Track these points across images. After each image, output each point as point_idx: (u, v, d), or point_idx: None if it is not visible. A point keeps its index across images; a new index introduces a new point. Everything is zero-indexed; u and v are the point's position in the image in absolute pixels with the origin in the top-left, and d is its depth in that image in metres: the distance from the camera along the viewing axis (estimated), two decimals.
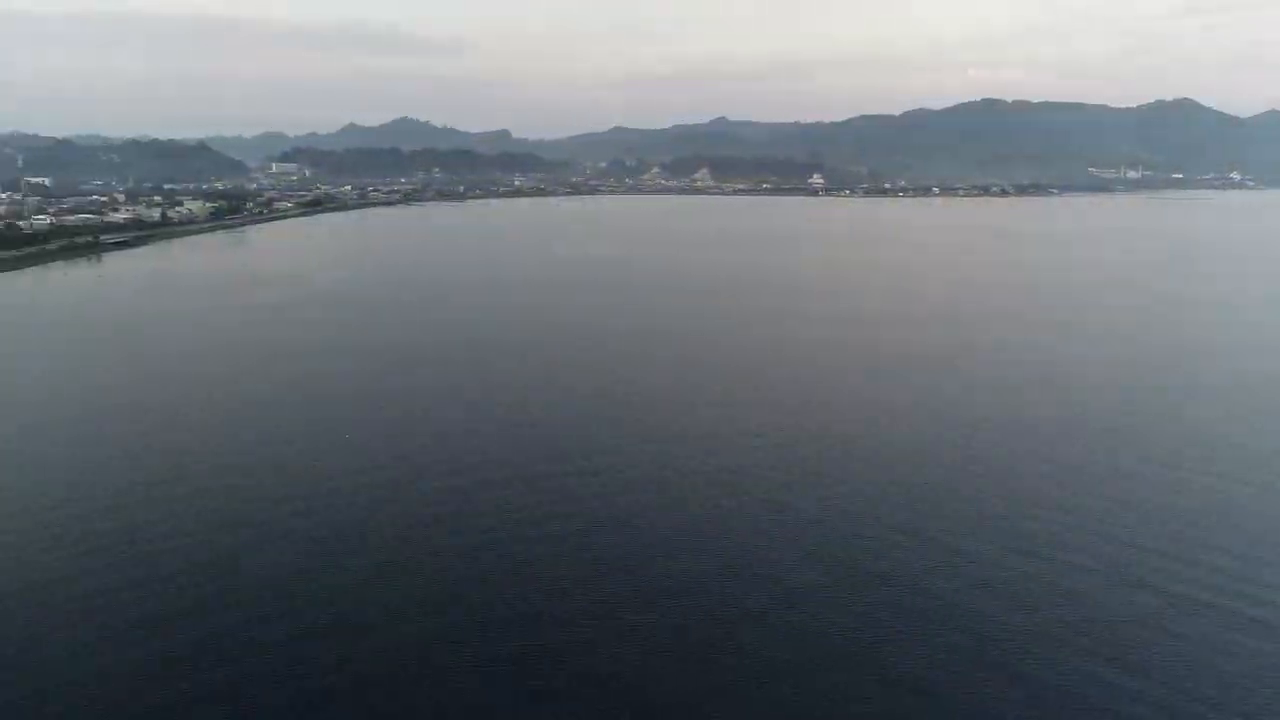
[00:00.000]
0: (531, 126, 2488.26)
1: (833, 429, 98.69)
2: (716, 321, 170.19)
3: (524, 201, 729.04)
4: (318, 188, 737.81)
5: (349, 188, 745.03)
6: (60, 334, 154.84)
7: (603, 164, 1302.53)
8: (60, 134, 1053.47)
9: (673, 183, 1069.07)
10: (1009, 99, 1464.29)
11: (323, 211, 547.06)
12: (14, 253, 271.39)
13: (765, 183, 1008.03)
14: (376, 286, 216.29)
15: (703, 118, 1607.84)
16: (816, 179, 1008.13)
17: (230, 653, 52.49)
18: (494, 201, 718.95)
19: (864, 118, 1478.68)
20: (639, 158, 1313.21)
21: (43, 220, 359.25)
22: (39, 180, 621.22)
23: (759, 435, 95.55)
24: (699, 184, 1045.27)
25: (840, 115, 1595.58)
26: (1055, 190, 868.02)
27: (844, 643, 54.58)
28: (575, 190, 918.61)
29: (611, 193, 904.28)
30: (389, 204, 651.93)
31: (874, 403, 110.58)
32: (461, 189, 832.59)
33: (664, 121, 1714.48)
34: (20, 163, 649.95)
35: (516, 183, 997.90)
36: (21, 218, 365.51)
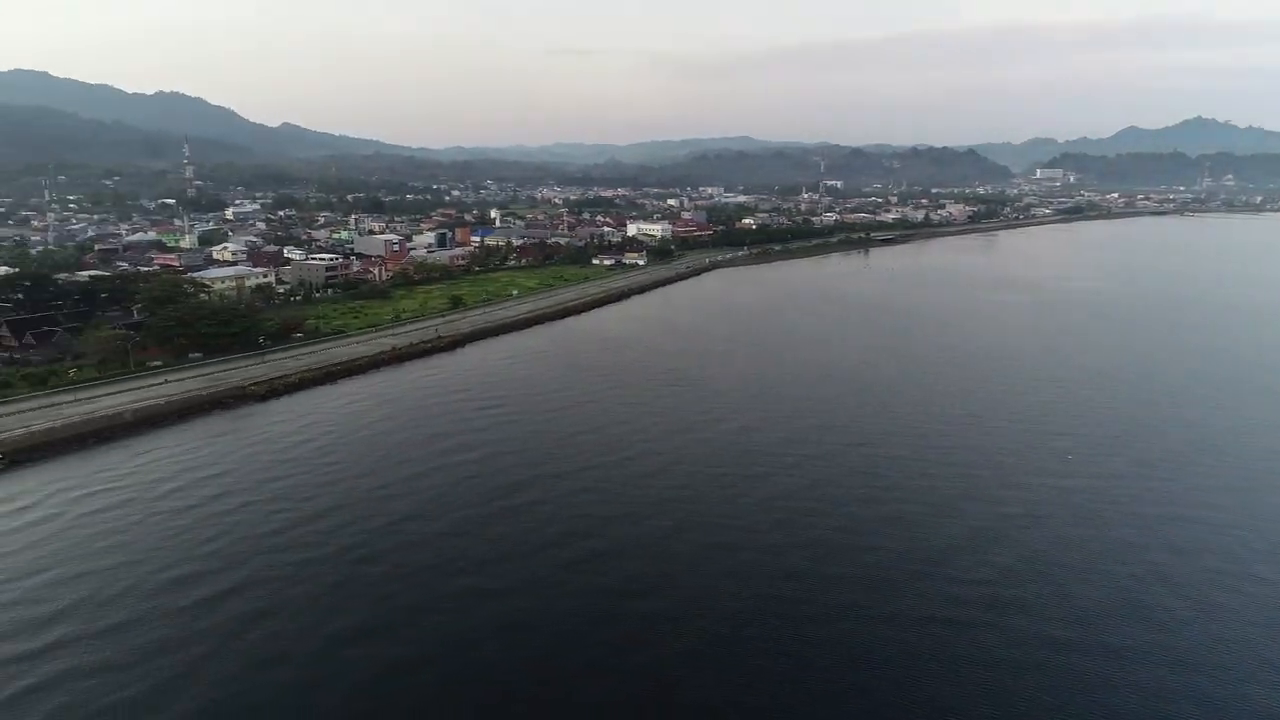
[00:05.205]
0: None
1: None
2: None
3: None
4: (1080, 194, 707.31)
5: (1115, 195, 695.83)
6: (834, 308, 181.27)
7: None
8: (856, 144, 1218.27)
9: None
10: None
11: (1081, 220, 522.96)
12: (804, 243, 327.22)
13: None
14: (1128, 299, 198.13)
15: None
16: None
17: None
18: None
19: None
20: None
21: (830, 217, 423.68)
22: (833, 183, 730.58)
23: None
24: None
25: None
26: None
27: None
28: None
29: None
30: (1159, 214, 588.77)
31: None
32: (1259, 199, 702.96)
33: None
34: (822, 168, 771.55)
35: None
36: (815, 214, 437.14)
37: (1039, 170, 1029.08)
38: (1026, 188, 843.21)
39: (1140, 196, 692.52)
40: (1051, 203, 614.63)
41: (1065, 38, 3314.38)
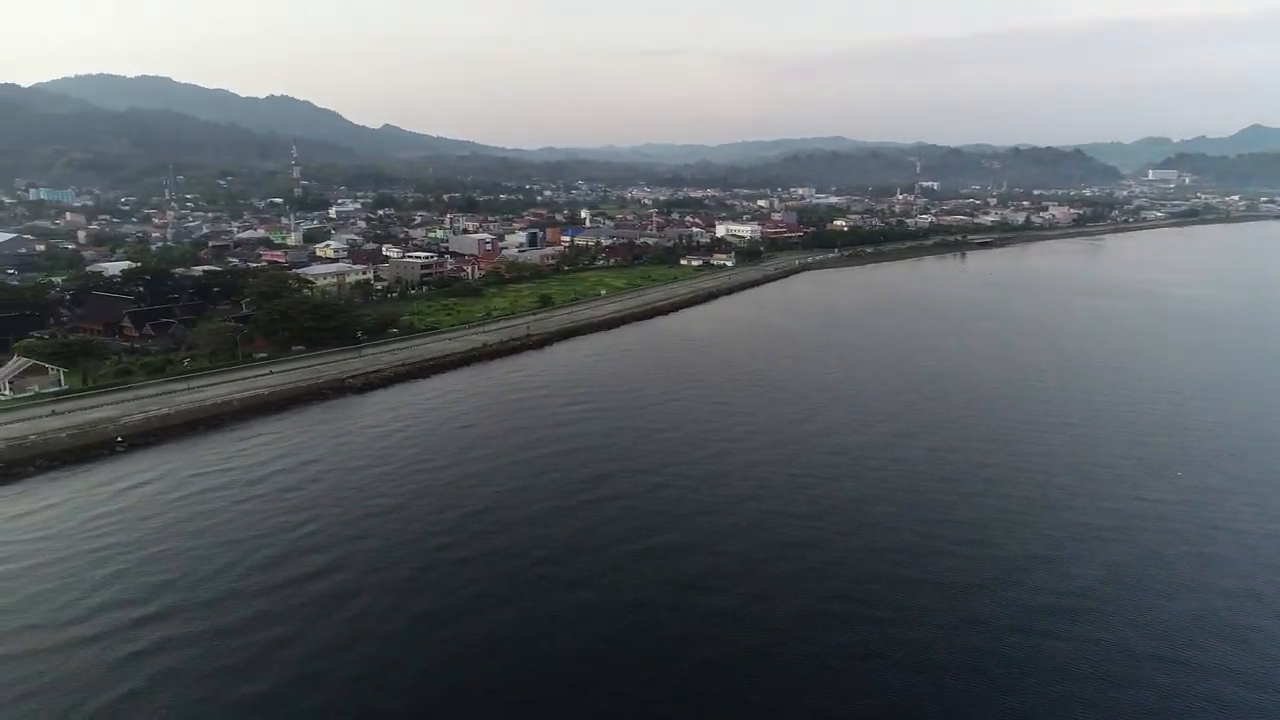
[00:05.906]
0: None
1: None
2: None
3: None
4: (1196, 196, 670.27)
5: (1236, 198, 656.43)
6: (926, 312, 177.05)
7: None
8: (954, 144, 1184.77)
9: None
10: None
11: (1196, 223, 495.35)
12: (896, 245, 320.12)
13: None
14: (1242, 308, 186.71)
15: None
16: None
17: None
18: None
19: None
20: None
21: (925, 219, 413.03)
22: (929, 184, 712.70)
23: None
24: None
25: None
26: None
27: None
28: None
29: None
30: None
31: None
32: None
33: None
34: (918, 169, 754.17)
35: None
36: (910, 216, 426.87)
37: (1151, 171, 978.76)
38: (1137, 189, 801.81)
39: (1264, 199, 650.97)
40: (1164, 205, 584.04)
41: (1177, 30, 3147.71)
